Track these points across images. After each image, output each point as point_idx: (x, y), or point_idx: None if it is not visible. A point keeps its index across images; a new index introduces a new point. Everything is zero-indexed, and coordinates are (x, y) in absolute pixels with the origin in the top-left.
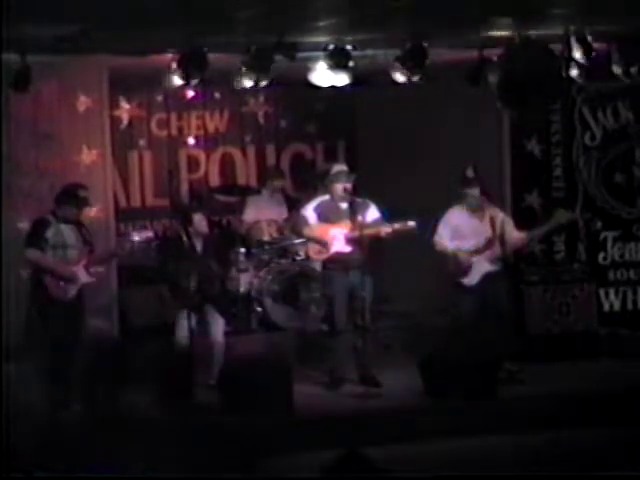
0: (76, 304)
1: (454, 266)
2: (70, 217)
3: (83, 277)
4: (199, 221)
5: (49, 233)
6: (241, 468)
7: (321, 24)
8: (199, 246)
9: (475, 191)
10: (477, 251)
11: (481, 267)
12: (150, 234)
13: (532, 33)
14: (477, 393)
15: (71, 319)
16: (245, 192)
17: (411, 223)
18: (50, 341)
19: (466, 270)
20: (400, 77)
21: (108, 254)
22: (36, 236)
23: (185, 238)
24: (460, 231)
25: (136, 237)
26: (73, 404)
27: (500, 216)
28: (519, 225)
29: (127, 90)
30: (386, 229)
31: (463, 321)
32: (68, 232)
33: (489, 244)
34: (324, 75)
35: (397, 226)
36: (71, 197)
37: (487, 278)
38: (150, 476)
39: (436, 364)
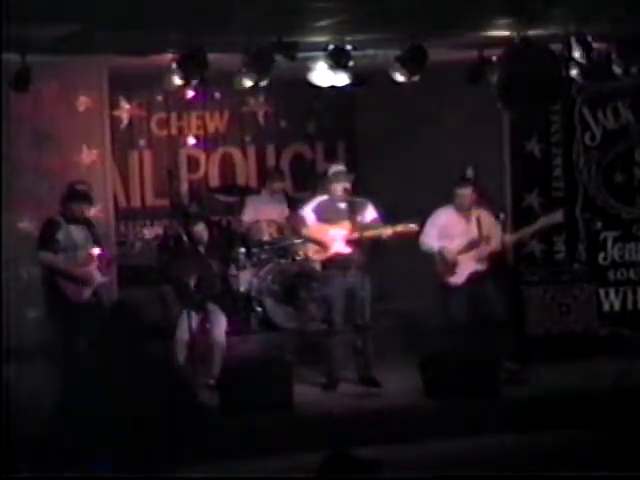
0: (92, 305)
1: (440, 265)
2: (77, 214)
3: (98, 277)
4: (200, 231)
5: (60, 235)
6: None
7: (321, 24)
8: (200, 247)
9: (465, 191)
10: (462, 250)
11: (467, 266)
12: (158, 232)
13: (532, 33)
14: (477, 393)
15: (88, 320)
16: (245, 192)
17: (413, 225)
18: (68, 343)
19: (452, 269)
20: (400, 77)
21: (118, 254)
22: (47, 238)
23: (186, 238)
24: (447, 231)
25: (146, 235)
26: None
27: (488, 217)
28: (519, 225)
29: (127, 90)
30: (387, 231)
31: (450, 320)
32: (77, 233)
33: (475, 244)
34: (324, 75)
35: (399, 228)
36: (71, 193)
37: (473, 277)
38: (150, 476)
39: (436, 364)
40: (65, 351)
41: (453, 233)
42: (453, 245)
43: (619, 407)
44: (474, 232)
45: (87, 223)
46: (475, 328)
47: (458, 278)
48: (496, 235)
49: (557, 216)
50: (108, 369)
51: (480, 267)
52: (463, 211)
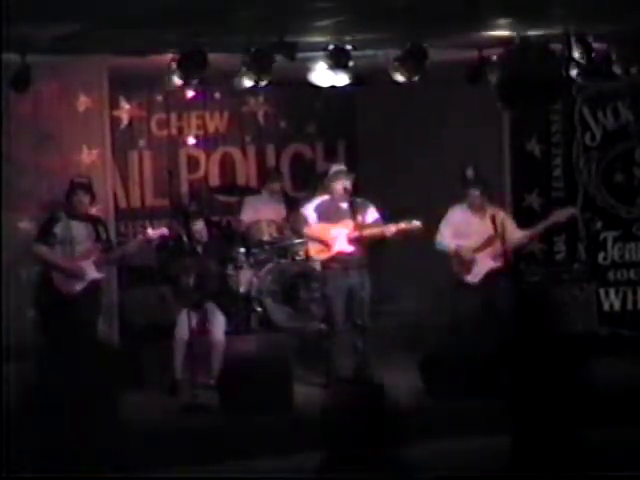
0: (85, 300)
1: (457, 264)
2: (78, 207)
3: (91, 273)
4: (200, 229)
5: (58, 228)
6: None
7: (321, 24)
8: (199, 246)
9: (476, 191)
10: (479, 248)
11: (484, 264)
12: (164, 231)
13: (532, 33)
14: (478, 393)
15: (79, 314)
16: (245, 192)
17: (416, 222)
18: (56, 337)
19: (469, 268)
20: (400, 77)
21: (124, 252)
22: (44, 232)
23: (185, 238)
24: (461, 230)
25: (151, 235)
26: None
27: (501, 215)
28: (519, 225)
29: (127, 90)
30: (391, 229)
31: (467, 318)
32: (78, 227)
33: (490, 241)
34: (324, 75)
35: (402, 226)
36: (71, 187)
37: (490, 275)
38: (150, 476)
39: (436, 364)
40: (51, 339)
41: (468, 231)
42: (469, 244)
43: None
44: (489, 230)
45: (93, 220)
46: (489, 327)
47: (475, 276)
48: (511, 232)
49: (569, 211)
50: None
51: (496, 265)
52: (476, 210)
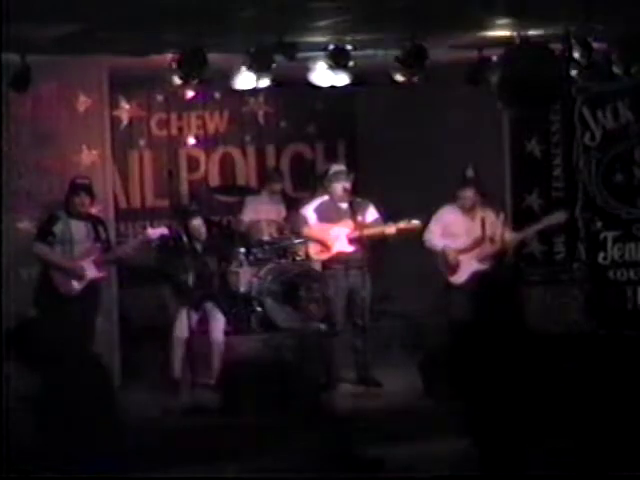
0: (85, 299)
1: (442, 265)
2: (79, 207)
3: (91, 272)
4: (198, 226)
5: (57, 228)
6: None
7: (321, 24)
8: (199, 246)
9: (469, 192)
10: (465, 250)
11: (469, 266)
12: (164, 230)
13: (532, 33)
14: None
15: (78, 314)
16: (245, 192)
17: (415, 222)
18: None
19: (454, 269)
20: (400, 77)
21: (124, 252)
22: (44, 231)
23: (185, 237)
24: (450, 229)
25: (151, 234)
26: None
27: (492, 217)
28: (519, 225)
29: (127, 90)
30: (391, 229)
31: (453, 319)
32: (78, 227)
33: (478, 243)
34: (324, 75)
35: (402, 225)
36: (72, 187)
37: (475, 277)
38: (150, 476)
39: (436, 364)
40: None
41: (456, 232)
42: (456, 244)
43: None
44: (478, 232)
45: (92, 220)
46: (476, 328)
47: (459, 278)
48: (503, 235)
49: (560, 216)
50: None
51: (482, 267)
52: (467, 210)
